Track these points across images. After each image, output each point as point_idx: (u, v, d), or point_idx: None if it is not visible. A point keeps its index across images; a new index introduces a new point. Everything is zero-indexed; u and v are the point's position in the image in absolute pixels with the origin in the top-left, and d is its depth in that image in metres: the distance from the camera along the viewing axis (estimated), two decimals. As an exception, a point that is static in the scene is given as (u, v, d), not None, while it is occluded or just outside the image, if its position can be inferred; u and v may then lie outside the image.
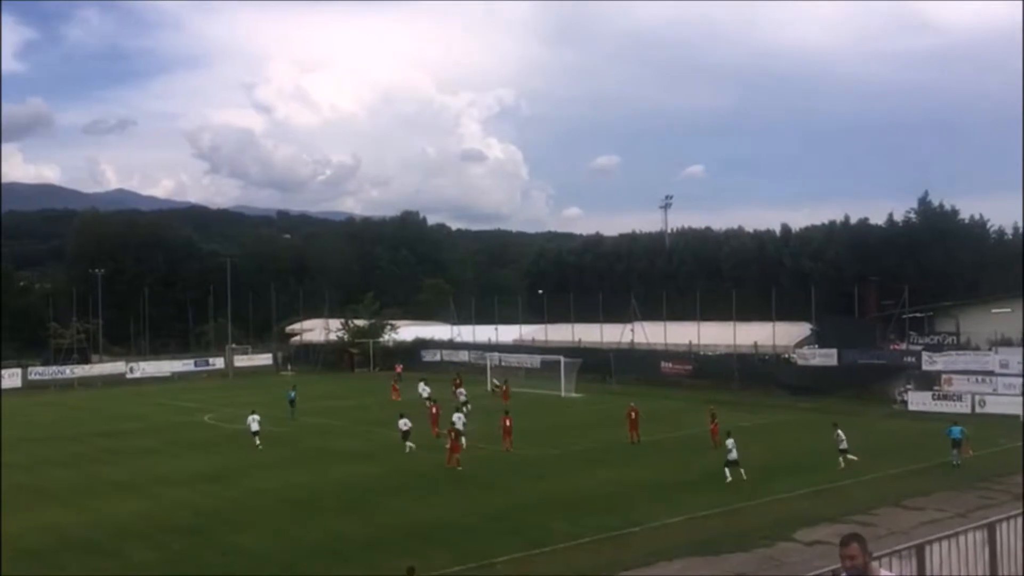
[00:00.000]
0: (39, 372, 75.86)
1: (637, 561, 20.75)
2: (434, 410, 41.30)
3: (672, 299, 66.80)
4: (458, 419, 36.53)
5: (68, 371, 77.10)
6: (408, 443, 36.25)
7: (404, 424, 36.84)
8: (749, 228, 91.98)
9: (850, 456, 31.55)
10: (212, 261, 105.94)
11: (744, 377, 57.78)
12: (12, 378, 72.43)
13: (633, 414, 38.34)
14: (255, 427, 39.05)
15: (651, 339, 66.12)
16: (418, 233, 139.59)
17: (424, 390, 51.26)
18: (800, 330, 61.18)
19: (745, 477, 29.05)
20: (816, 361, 55.09)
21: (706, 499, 26.78)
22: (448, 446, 33.46)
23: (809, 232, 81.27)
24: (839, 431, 32.08)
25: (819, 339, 57.41)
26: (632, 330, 67.92)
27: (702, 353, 62.57)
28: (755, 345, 60.33)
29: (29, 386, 71.64)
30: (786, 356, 58.72)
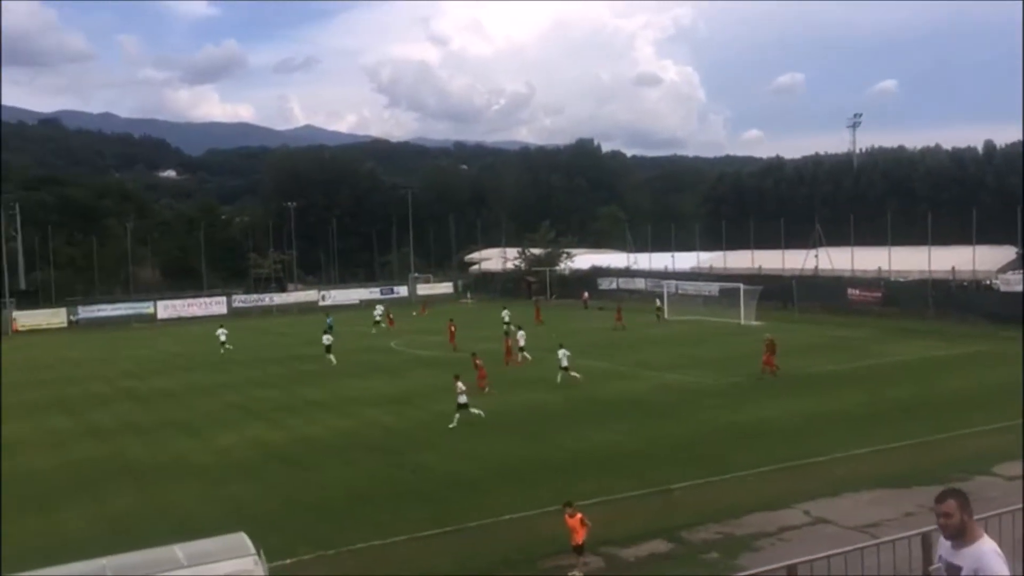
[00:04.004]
0: (242, 300, 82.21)
1: (821, 491, 20.21)
2: (452, 328, 48.99)
3: (860, 223, 63.60)
4: (521, 336, 42.20)
5: (267, 299, 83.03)
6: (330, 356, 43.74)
7: (327, 340, 44.95)
8: (947, 146, 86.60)
9: (573, 373, 34.56)
10: (394, 193, 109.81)
11: (939, 305, 54.50)
12: (219, 305, 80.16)
13: (772, 344, 36.07)
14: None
15: (836, 265, 63.48)
16: (593, 160, 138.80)
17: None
18: (1004, 254, 57.07)
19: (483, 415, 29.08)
20: (1022, 287, 51.20)
21: (896, 430, 25.65)
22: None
23: (1016, 148, 75.04)
24: (561, 351, 34.96)
25: (1026, 264, 53.34)
26: (816, 256, 65.45)
27: (893, 279, 59.51)
28: (952, 271, 56.72)
29: (233, 312, 78.15)
30: (987, 282, 54.99)
